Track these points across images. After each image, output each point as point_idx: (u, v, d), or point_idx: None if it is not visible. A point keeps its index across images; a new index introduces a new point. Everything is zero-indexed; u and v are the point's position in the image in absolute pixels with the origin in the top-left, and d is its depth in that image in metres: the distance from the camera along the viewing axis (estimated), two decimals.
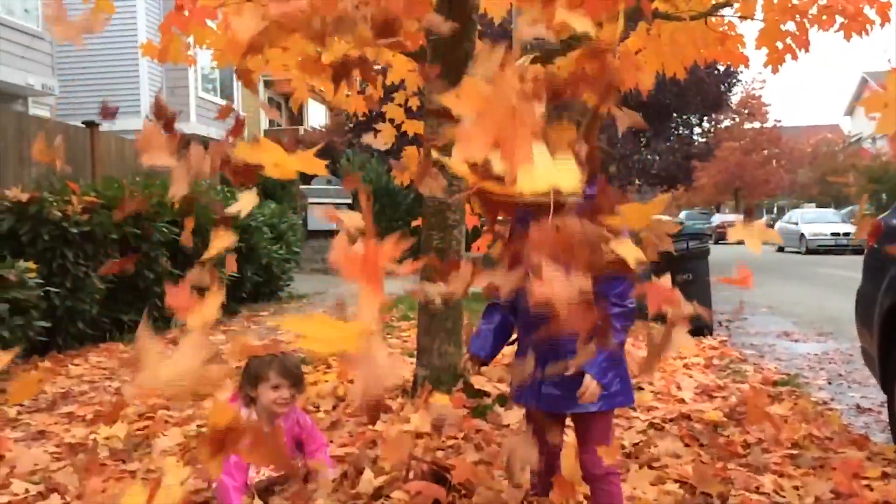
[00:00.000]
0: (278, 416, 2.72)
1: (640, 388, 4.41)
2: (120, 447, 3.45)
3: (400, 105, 5.09)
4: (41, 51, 13.48)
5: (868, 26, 4.00)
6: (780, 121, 44.91)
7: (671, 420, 3.82)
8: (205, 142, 1.72)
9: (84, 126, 8.41)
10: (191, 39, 3.97)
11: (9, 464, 3.18)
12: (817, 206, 34.93)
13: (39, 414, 4.14)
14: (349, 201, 14.69)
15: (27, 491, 2.84)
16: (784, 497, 2.76)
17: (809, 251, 22.29)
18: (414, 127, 4.99)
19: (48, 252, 5.93)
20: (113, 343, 6.37)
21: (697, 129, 23.62)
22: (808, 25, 4.08)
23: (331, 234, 14.96)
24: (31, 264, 5.32)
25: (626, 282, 2.13)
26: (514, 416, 3.61)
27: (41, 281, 5.44)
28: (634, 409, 3.96)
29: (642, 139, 20.60)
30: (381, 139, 5.05)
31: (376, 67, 8.07)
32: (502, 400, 3.93)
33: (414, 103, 5.09)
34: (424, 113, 4.15)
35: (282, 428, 2.71)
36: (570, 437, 2.65)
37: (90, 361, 5.63)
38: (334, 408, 4.07)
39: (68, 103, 15.29)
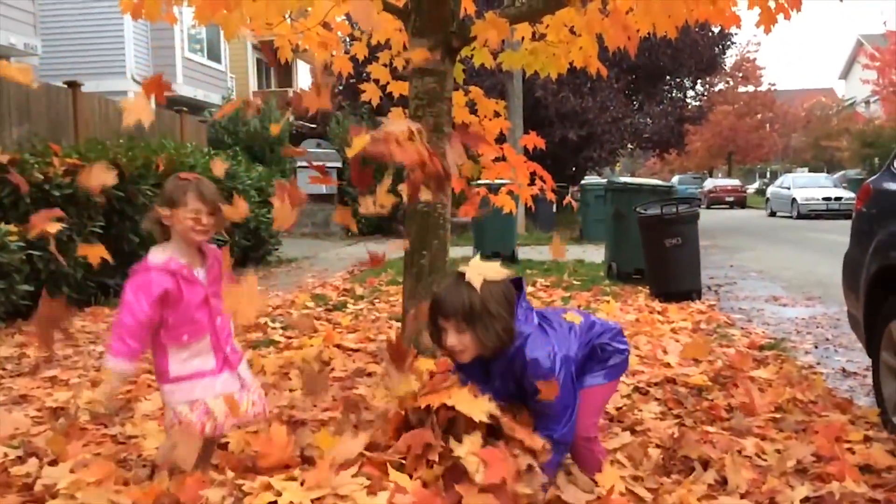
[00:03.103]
0: (196, 246, 2.47)
1: None
2: (101, 411, 3.42)
3: (385, 65, 4.99)
4: (23, 9, 13.19)
5: None
6: (774, 84, 44.62)
7: (656, 384, 3.82)
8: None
9: (66, 86, 8.24)
10: None
11: None
12: (810, 171, 34.92)
13: (22, 378, 4.11)
14: (339, 165, 14.57)
15: (6, 455, 2.81)
16: (766, 460, 2.76)
17: (801, 216, 22.31)
18: (399, 87, 4.89)
19: (30, 215, 5.84)
20: (98, 307, 6.33)
21: (691, 93, 23.49)
22: None
23: (320, 198, 14.88)
24: (12, 227, 5.24)
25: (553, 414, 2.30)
26: None
27: (23, 244, 5.37)
28: None
29: (634, 102, 20.44)
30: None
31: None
32: None
33: (399, 63, 4.98)
34: (409, 73, 4.06)
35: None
36: None
37: (75, 325, 5.59)
38: (319, 372, 4.04)
39: (51, 64, 15.02)
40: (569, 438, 2.30)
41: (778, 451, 2.82)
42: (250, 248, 9.43)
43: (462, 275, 2.27)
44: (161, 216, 2.40)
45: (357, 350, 4.56)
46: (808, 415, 3.31)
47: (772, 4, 3.96)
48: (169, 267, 2.36)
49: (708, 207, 31.47)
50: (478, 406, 2.25)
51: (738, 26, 4.25)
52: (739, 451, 2.83)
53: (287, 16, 4.68)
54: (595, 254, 10.62)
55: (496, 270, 2.29)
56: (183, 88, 17.77)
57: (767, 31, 4.10)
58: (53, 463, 2.65)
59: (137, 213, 6.68)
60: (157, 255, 2.40)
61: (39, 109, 7.62)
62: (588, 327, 2.44)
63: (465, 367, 2.38)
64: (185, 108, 11.63)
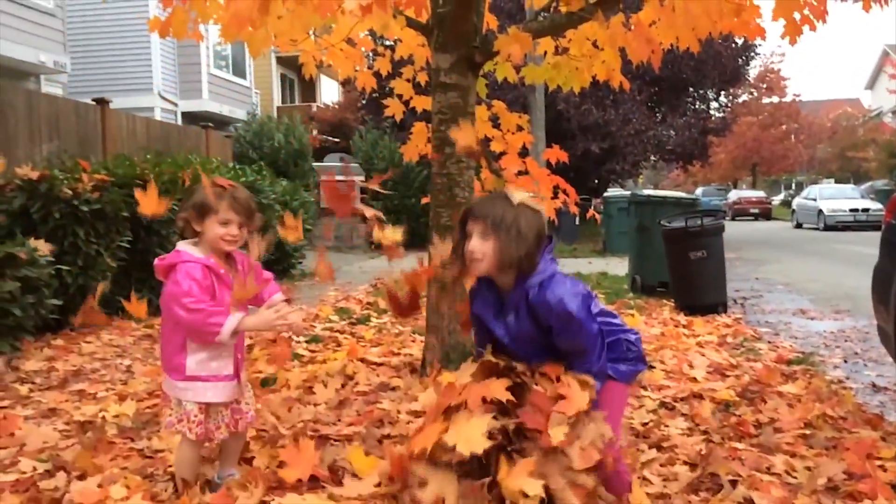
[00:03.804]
0: (224, 252, 2.48)
1: (652, 367, 4.36)
2: (129, 425, 3.46)
3: (408, 80, 5.02)
4: (53, 28, 13.46)
5: None
6: (799, 95, 44.21)
7: (682, 399, 3.78)
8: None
9: (95, 103, 8.38)
10: (194, 14, 3.90)
11: (18, 441, 3.19)
12: (836, 182, 34.49)
13: (51, 391, 4.16)
14: (363, 178, 14.65)
15: (35, 469, 2.84)
16: (796, 478, 2.72)
17: (828, 227, 22.02)
18: (422, 102, 4.92)
19: (59, 230, 5.94)
20: (125, 321, 6.39)
21: (714, 104, 23.32)
22: None
23: None
24: (41, 242, 5.32)
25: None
26: None
27: (52, 259, 5.45)
28: (645, 388, 3.93)
29: (657, 114, 20.34)
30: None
31: (386, 43, 7.97)
32: None
33: (422, 78, 5.01)
34: (432, 88, 4.08)
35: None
36: None
37: (102, 339, 5.66)
38: (343, 386, 4.06)
39: (80, 81, 15.30)
40: (606, 368, 2.27)
41: (808, 469, 2.78)
42: (274, 261, 9.47)
43: (504, 193, 2.31)
44: (194, 226, 2.42)
45: (381, 364, 4.56)
46: (839, 431, 3.25)
47: (797, 16, 3.93)
48: (207, 262, 2.37)
49: (732, 219, 31.19)
50: (478, 429, 2.04)
51: (763, 38, 4.22)
52: (768, 469, 2.78)
53: (311, 32, 4.73)
54: (618, 266, 10.55)
55: (538, 205, 2.32)
56: (208, 104, 18.00)
57: (793, 42, 4.06)
58: (82, 477, 2.67)
59: (164, 227, 6.76)
60: (192, 251, 2.41)
61: (69, 126, 7.75)
62: (609, 313, 2.40)
63: (480, 297, 2.37)
64: (210, 124, 11.77)
